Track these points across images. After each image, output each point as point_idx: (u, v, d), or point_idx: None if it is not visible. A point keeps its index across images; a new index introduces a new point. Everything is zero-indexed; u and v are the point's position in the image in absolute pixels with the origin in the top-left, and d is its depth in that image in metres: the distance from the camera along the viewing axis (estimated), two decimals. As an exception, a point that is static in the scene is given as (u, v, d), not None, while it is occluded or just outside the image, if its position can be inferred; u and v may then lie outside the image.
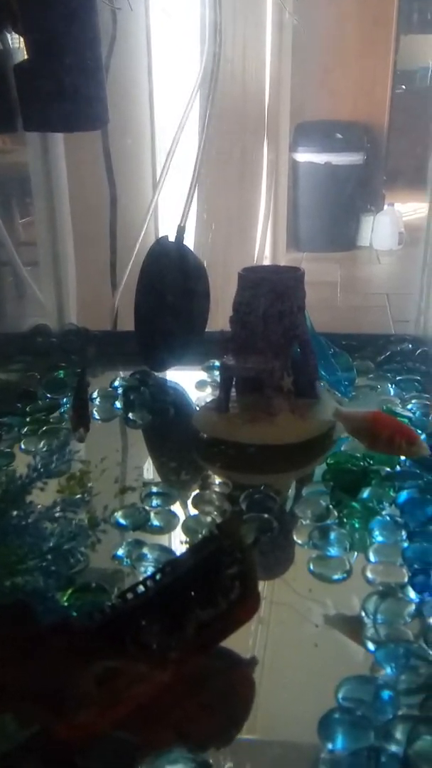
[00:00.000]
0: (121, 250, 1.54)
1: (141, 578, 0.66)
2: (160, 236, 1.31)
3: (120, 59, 1.43)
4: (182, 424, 1.13)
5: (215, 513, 0.87)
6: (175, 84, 1.67)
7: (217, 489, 0.94)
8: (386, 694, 0.59)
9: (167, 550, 0.79)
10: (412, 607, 0.70)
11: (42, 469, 0.72)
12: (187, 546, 0.81)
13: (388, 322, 2.95)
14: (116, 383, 1.25)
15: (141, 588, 0.64)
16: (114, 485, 0.96)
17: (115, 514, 0.85)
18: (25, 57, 1.11)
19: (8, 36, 1.18)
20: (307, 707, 0.60)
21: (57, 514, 0.73)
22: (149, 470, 1.03)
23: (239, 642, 0.66)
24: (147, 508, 0.89)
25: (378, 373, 1.28)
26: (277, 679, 0.65)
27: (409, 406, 1.13)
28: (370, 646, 0.66)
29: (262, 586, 0.73)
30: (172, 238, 1.28)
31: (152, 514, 0.87)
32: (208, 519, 0.85)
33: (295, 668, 0.67)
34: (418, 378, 1.24)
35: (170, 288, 1.24)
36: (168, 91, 1.74)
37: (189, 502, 0.91)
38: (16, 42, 1.19)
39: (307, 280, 1.09)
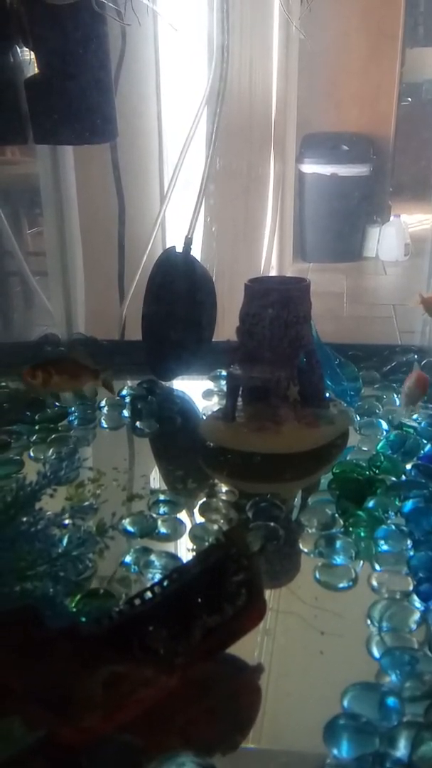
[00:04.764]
0: (129, 260, 1.56)
1: (148, 584, 0.67)
2: (167, 247, 1.32)
3: (129, 74, 1.45)
4: (189, 433, 1.14)
5: (222, 521, 0.88)
6: (183, 98, 1.69)
7: (223, 497, 0.94)
8: (391, 700, 0.59)
9: (174, 557, 0.80)
10: (417, 615, 0.70)
11: (51, 476, 0.73)
12: (194, 553, 0.82)
13: (394, 333, 2.96)
14: (124, 392, 1.26)
15: (148, 594, 0.65)
16: (122, 493, 0.97)
17: (123, 521, 0.86)
18: (36, 71, 1.13)
19: (19, 50, 1.20)
20: (313, 714, 0.60)
21: (66, 521, 0.75)
22: (156, 478, 1.04)
23: (245, 648, 0.66)
24: (154, 515, 0.90)
25: (384, 383, 1.28)
26: (282, 685, 0.66)
27: (415, 416, 1.14)
28: (376, 653, 0.67)
29: (269, 594, 0.74)
30: (179, 249, 1.29)
31: (159, 522, 0.88)
32: (215, 527, 0.86)
33: (301, 675, 0.68)
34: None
35: (177, 298, 1.25)
36: (176, 105, 1.76)
37: (196, 510, 0.91)
38: (27, 56, 1.21)
39: (313, 291, 1.10)
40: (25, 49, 1.16)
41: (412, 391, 1.11)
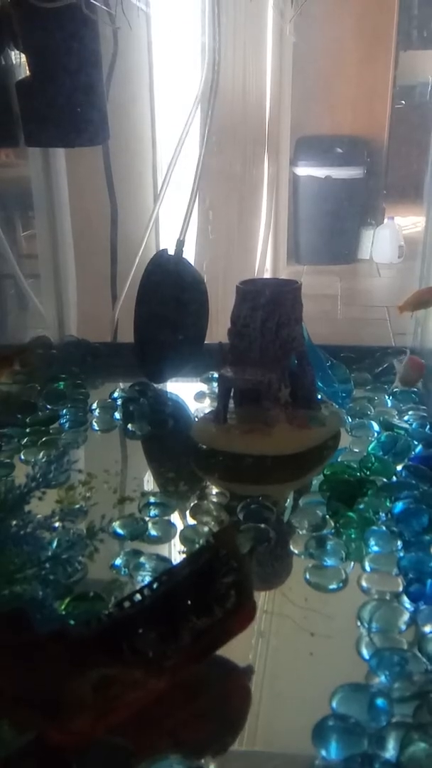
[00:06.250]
0: (122, 262, 1.56)
1: (138, 587, 0.67)
2: (159, 249, 1.32)
3: (122, 76, 1.45)
4: (181, 435, 1.14)
5: (213, 523, 0.88)
6: (175, 99, 1.69)
7: (214, 499, 0.94)
8: (380, 701, 0.59)
9: (165, 560, 0.80)
10: (407, 615, 0.70)
11: (40, 479, 0.73)
12: (184, 555, 0.82)
13: (388, 335, 2.96)
14: (116, 394, 1.26)
15: (138, 596, 0.65)
16: (113, 495, 0.97)
17: (113, 523, 0.86)
18: (27, 74, 1.13)
19: (10, 53, 1.20)
20: (302, 715, 0.60)
21: (55, 524, 0.74)
22: (148, 480, 1.04)
23: (235, 650, 0.66)
24: (145, 518, 0.90)
25: (375, 385, 1.29)
26: (272, 687, 0.66)
27: (406, 418, 1.14)
28: (365, 654, 0.67)
29: (259, 596, 0.74)
30: (171, 252, 1.29)
31: (150, 524, 0.88)
32: (206, 529, 0.86)
33: (291, 676, 0.68)
34: (415, 390, 1.25)
35: (169, 300, 1.25)
36: (169, 106, 1.76)
37: (187, 512, 0.91)
38: (18, 58, 1.21)
39: (307, 293, 1.10)
40: (16, 51, 1.16)
41: (408, 372, 1.13)
